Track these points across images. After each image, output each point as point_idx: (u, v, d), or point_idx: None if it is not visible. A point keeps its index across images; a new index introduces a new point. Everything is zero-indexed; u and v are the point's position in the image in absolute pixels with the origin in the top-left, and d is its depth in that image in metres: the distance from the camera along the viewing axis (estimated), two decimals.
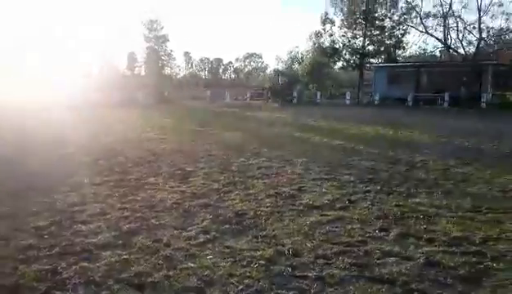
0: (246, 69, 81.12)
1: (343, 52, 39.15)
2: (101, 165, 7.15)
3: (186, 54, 74.72)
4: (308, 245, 3.64)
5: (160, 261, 3.31)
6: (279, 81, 34.97)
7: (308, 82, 38.18)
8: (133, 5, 79.46)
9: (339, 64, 40.66)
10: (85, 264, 3.24)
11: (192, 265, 3.24)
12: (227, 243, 3.68)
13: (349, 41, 38.56)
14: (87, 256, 3.40)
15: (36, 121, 15.53)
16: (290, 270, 3.16)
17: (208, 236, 3.84)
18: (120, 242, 3.70)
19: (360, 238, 3.83)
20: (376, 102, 30.64)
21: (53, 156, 7.91)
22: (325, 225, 4.16)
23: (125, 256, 3.37)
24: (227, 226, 4.12)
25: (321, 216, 4.45)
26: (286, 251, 3.48)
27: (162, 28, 36.64)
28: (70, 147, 9.02)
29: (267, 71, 69.87)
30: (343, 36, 38.67)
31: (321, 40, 39.87)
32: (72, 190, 5.39)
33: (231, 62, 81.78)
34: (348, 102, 31.70)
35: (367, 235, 3.91)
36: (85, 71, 34.65)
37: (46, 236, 3.82)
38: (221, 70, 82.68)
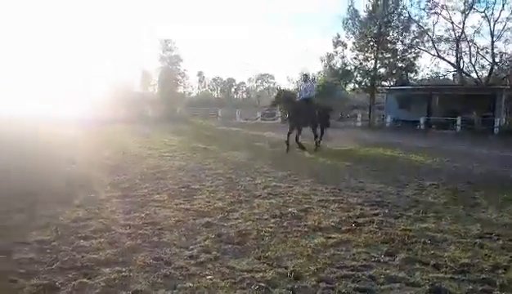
0: (258, 89, 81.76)
1: (355, 74, 39.27)
2: (107, 180, 7.17)
3: (200, 73, 75.73)
4: (311, 268, 3.56)
5: (160, 280, 3.27)
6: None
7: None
8: (149, 24, 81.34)
9: (351, 85, 40.75)
10: (84, 280, 3.22)
11: (191, 284, 3.19)
12: (228, 263, 3.62)
13: (361, 63, 38.69)
14: (86, 271, 3.38)
15: (46, 135, 15.76)
16: None
17: (209, 255, 3.79)
18: (121, 259, 3.67)
19: (365, 263, 3.74)
20: (387, 124, 30.50)
21: (61, 170, 7.98)
22: (329, 248, 4.08)
23: (125, 273, 3.34)
24: (229, 246, 4.07)
25: (326, 238, 4.36)
26: (288, 274, 3.41)
27: (176, 48, 37.37)
28: (78, 162, 9.11)
29: None
30: (355, 58, 38.84)
31: (333, 62, 40.15)
32: (77, 205, 5.41)
33: (243, 82, 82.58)
34: (358, 124, 31.59)
35: (372, 259, 3.82)
36: (97, 87, 35.29)
37: (48, 250, 3.82)
38: (233, 90, 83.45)
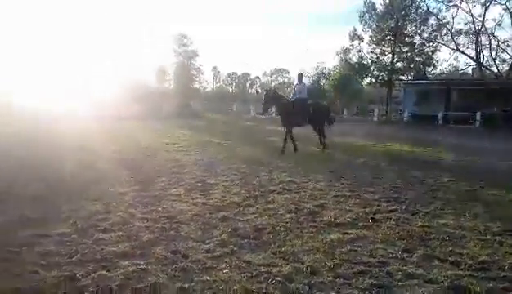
0: (273, 84, 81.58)
1: (372, 68, 38.84)
2: (125, 175, 7.28)
3: (214, 68, 75.95)
4: (328, 263, 3.55)
5: (177, 273, 3.31)
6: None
7: (335, 98, 37.96)
8: (165, 19, 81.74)
9: (367, 80, 40.37)
10: (103, 272, 3.27)
11: (208, 278, 3.21)
12: (244, 258, 3.64)
13: (378, 57, 38.27)
14: (105, 264, 3.44)
15: (65, 129, 16.06)
16: (308, 289, 3.09)
17: (225, 249, 3.82)
18: (139, 252, 3.73)
19: (382, 259, 3.71)
20: (405, 119, 30.10)
21: (80, 164, 8.12)
22: (346, 244, 4.05)
23: (143, 266, 3.39)
24: (245, 240, 4.09)
25: (343, 234, 4.34)
26: (304, 269, 3.41)
27: (191, 43, 37.54)
28: (96, 156, 9.26)
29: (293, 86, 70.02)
30: (372, 52, 38.47)
31: (349, 56, 39.78)
32: (96, 199, 5.51)
33: (258, 77, 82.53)
34: (375, 119, 31.25)
35: (390, 256, 3.79)
36: (114, 83, 35.69)
37: (68, 243, 3.90)
38: (248, 85, 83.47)
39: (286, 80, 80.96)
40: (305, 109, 11.38)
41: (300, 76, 12.54)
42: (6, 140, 12.18)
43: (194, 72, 39.62)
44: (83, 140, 12.45)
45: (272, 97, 11.82)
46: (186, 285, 3.09)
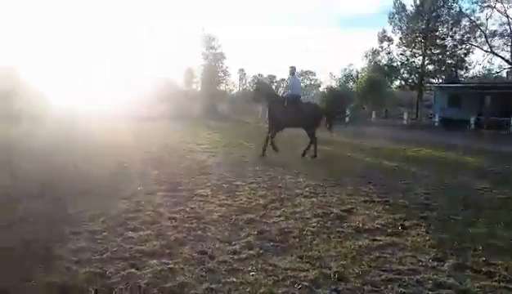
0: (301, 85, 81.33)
1: (401, 71, 38.09)
2: (153, 175, 7.41)
3: (241, 70, 76.33)
4: (356, 270, 3.49)
5: (204, 273, 3.34)
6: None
7: (363, 101, 37.41)
8: (193, 22, 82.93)
9: (397, 83, 39.61)
10: (132, 270, 3.34)
11: (235, 279, 3.23)
12: (271, 261, 3.63)
13: (408, 59, 37.50)
14: (134, 262, 3.51)
15: (96, 129, 16.52)
16: None
17: (251, 252, 3.82)
18: (167, 251, 3.78)
19: (412, 267, 3.62)
20: (436, 123, 29.29)
21: (111, 164, 8.33)
22: (374, 250, 3.98)
23: (171, 266, 3.44)
24: (271, 243, 4.08)
25: (371, 240, 4.27)
26: (332, 275, 3.37)
27: (219, 45, 37.92)
28: (126, 156, 9.46)
29: (320, 88, 69.46)
30: (402, 54, 37.73)
31: (378, 58, 39.15)
32: (126, 197, 5.63)
33: (283, 79, 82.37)
34: (405, 122, 30.59)
35: (420, 264, 3.69)
36: (143, 84, 36.46)
37: (98, 240, 4.00)
38: (273, 87, 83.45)
39: (313, 82, 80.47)
40: (298, 107, 10.13)
41: (293, 69, 10.97)
42: (41, 139, 12.66)
43: (221, 74, 40.01)
44: (113, 140, 12.77)
45: (264, 89, 10.92)
46: (213, 286, 3.11)
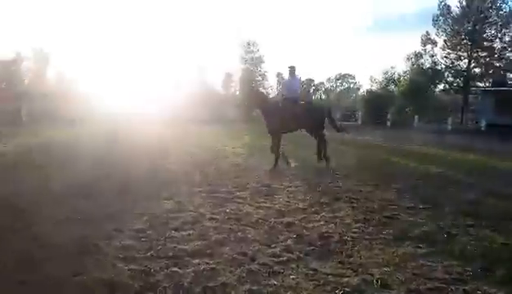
0: (338, 90, 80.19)
1: (446, 74, 36.75)
2: (194, 176, 7.56)
3: (279, 74, 76.32)
4: (399, 277, 3.40)
5: (244, 275, 3.36)
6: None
7: (405, 105, 36.33)
8: (231, 25, 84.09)
9: (441, 86, 38.25)
10: (175, 269, 3.42)
11: (276, 282, 3.23)
12: (311, 265, 3.60)
13: (452, 62, 36.16)
14: (177, 261, 3.59)
15: (140, 131, 17.13)
16: None
17: (291, 255, 3.81)
18: (208, 251, 3.84)
19: (458, 276, 3.48)
20: (482, 128, 27.99)
21: (153, 165, 8.58)
22: (418, 258, 3.85)
23: (212, 266, 3.49)
24: (311, 248, 4.04)
25: (415, 247, 4.13)
26: (375, 282, 3.29)
27: (258, 50, 38.19)
28: (167, 158, 9.72)
29: (360, 92, 68.19)
30: (446, 57, 36.43)
31: (421, 61, 37.98)
32: (168, 198, 5.78)
33: (322, 82, 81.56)
34: (449, 127, 29.43)
35: (467, 274, 3.54)
36: (183, 87, 37.31)
37: (143, 239, 4.13)
38: (311, 90, 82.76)
39: (352, 85, 79.17)
40: (295, 109, 9.13)
41: (292, 69, 9.76)
42: (90, 140, 13.32)
43: (259, 78, 40.24)
44: (156, 141, 13.18)
45: (258, 96, 9.92)
46: (255, 287, 3.12)
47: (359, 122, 34.19)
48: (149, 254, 3.74)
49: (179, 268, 3.45)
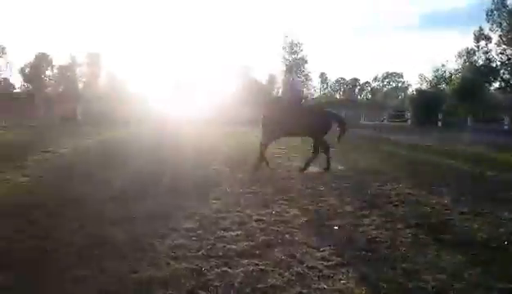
0: (385, 89, 77.95)
1: (501, 71, 34.64)
2: (240, 177, 7.66)
3: (322, 75, 75.42)
4: (456, 285, 3.25)
5: (294, 277, 3.36)
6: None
7: (457, 104, 34.62)
8: (275, 27, 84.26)
9: (496, 84, 36.12)
10: (226, 269, 3.48)
11: (326, 286, 3.20)
12: (362, 270, 3.53)
13: (509, 59, 34.00)
14: (227, 261, 3.66)
15: (187, 132, 17.67)
16: None
17: (340, 259, 3.75)
18: (257, 252, 3.88)
19: None
20: None
21: (200, 167, 8.78)
22: (475, 266, 3.66)
23: (261, 267, 3.52)
24: (362, 252, 3.96)
25: (472, 255, 3.94)
26: (430, 289, 3.18)
27: (301, 50, 38.01)
28: (215, 158, 9.92)
29: (409, 91, 65.82)
30: (502, 53, 34.37)
31: (474, 58, 36.08)
32: (216, 198, 5.91)
33: (367, 82, 79.67)
34: (506, 128, 27.72)
35: None
36: (226, 88, 37.83)
37: (194, 238, 4.24)
38: (357, 90, 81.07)
39: (400, 85, 76.67)
40: (297, 112, 8.53)
41: (291, 68, 9.18)
42: (146, 139, 14.06)
43: (302, 78, 39.99)
44: (203, 142, 13.51)
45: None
46: (304, 291, 3.12)
47: (409, 122, 33.06)
48: (200, 253, 3.83)
49: (229, 268, 3.50)
